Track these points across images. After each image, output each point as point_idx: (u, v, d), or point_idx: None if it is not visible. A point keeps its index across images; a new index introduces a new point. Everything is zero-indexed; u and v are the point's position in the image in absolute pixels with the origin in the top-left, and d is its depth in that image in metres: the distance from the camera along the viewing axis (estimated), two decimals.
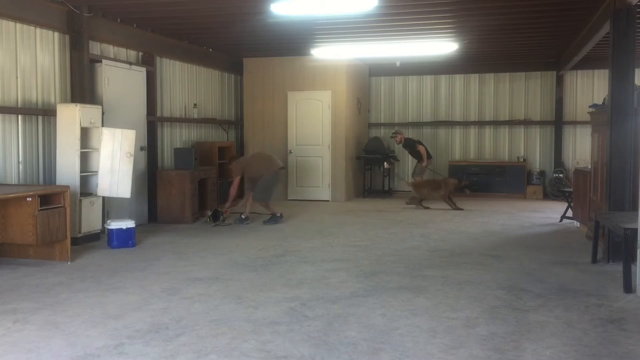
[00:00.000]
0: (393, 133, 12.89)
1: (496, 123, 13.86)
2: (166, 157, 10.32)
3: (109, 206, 8.47)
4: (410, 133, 13.60)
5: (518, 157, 13.61)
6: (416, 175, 12.39)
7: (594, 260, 6.52)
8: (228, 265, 6.51)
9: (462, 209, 10.96)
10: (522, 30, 9.87)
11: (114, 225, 7.44)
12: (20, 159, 7.30)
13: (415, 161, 12.69)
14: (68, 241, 6.62)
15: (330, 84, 12.42)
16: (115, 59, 8.92)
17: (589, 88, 13.34)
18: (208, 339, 4.13)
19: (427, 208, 11.15)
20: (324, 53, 11.16)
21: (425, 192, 11.28)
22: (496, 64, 13.53)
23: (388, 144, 13.52)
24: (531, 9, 8.18)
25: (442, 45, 10.55)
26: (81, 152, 7.49)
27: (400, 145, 12.77)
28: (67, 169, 7.42)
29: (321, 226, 9.26)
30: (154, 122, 9.78)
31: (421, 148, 12.30)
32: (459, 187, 11.50)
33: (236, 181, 9.44)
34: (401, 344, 4.02)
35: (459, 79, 14.05)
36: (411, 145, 12.47)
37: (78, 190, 7.40)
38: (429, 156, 12.51)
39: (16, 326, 4.42)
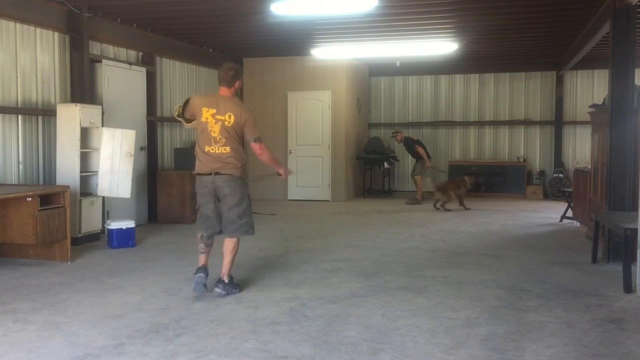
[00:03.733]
0: (393, 132, 12.89)
1: (496, 123, 13.86)
2: (166, 157, 10.32)
3: (109, 206, 8.47)
4: (410, 133, 13.58)
5: (518, 157, 13.62)
6: (416, 174, 12.38)
7: (594, 260, 6.52)
8: None
9: (469, 209, 10.98)
10: (522, 30, 9.87)
11: (114, 225, 7.44)
12: (20, 159, 7.30)
13: (415, 160, 12.67)
14: (68, 241, 6.62)
15: (330, 84, 12.42)
16: (115, 59, 8.92)
17: (589, 88, 13.34)
18: (208, 339, 4.12)
19: (449, 210, 10.85)
20: (324, 53, 11.16)
21: (451, 194, 10.99)
22: (496, 64, 13.53)
23: (388, 144, 13.52)
24: (531, 9, 8.19)
25: (442, 45, 10.55)
26: (81, 152, 7.49)
27: (401, 144, 12.76)
28: (67, 169, 7.42)
29: (321, 226, 9.26)
30: (154, 122, 9.78)
31: (420, 149, 12.29)
32: (475, 184, 11.61)
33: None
34: (401, 344, 4.02)
35: (459, 79, 14.05)
36: (410, 145, 12.46)
37: (78, 190, 7.40)
38: (427, 156, 12.49)
39: (16, 326, 4.42)
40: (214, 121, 5.10)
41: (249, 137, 5.21)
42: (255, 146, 5.26)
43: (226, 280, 5.30)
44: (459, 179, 11.48)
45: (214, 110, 5.11)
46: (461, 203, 11.07)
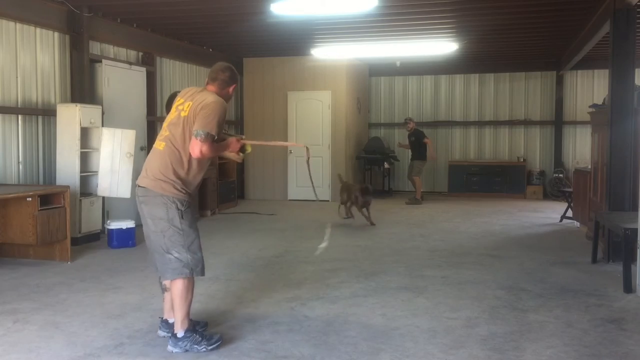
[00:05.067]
0: (406, 119, 12.71)
1: (496, 123, 13.87)
2: None
3: (109, 206, 8.47)
4: None
5: (518, 157, 13.62)
6: (414, 174, 12.35)
7: (594, 260, 6.52)
8: (228, 265, 6.50)
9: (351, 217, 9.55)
10: (522, 30, 9.87)
11: (114, 225, 7.44)
12: (20, 159, 7.30)
13: (411, 161, 12.60)
14: (68, 241, 6.62)
15: (330, 84, 12.42)
16: (115, 59, 8.91)
17: (589, 88, 13.34)
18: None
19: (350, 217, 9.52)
20: (324, 53, 11.16)
21: (344, 198, 9.58)
22: (496, 64, 13.53)
23: (388, 143, 13.51)
24: (531, 9, 8.19)
25: (442, 45, 10.55)
26: (81, 152, 7.49)
27: (408, 133, 12.61)
28: (67, 169, 7.42)
29: (321, 226, 9.25)
30: (154, 122, 9.78)
31: (428, 141, 12.25)
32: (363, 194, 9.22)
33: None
34: (401, 344, 4.02)
35: (459, 79, 14.05)
36: (418, 136, 12.33)
37: (78, 190, 7.40)
38: (425, 157, 12.41)
39: (16, 326, 4.42)
40: (173, 109, 3.94)
41: (193, 129, 3.74)
42: (193, 142, 3.72)
43: (179, 335, 3.86)
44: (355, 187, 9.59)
45: (182, 100, 3.93)
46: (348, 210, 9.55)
